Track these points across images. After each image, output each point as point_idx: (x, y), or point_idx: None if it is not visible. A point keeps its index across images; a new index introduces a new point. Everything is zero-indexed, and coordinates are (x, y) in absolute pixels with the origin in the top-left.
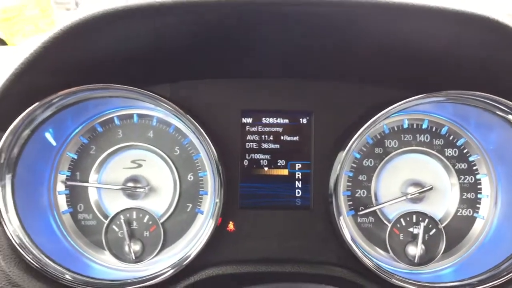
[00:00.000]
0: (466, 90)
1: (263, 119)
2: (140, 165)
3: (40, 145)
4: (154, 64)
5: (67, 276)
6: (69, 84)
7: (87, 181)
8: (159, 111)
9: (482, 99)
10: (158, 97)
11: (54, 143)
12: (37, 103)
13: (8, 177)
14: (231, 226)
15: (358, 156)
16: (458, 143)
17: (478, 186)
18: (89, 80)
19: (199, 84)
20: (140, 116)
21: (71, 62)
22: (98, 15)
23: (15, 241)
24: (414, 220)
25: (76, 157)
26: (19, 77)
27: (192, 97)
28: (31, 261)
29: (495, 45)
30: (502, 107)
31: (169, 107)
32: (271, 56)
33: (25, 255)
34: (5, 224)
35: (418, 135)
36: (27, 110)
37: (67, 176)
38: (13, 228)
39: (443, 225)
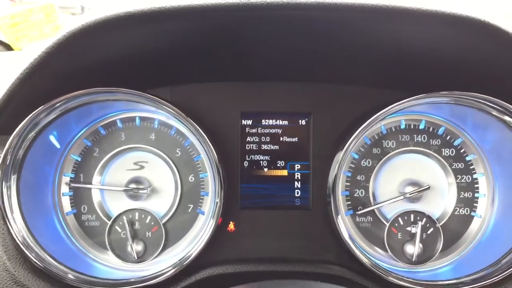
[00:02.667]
0: (462, 91)
1: (263, 120)
2: (142, 167)
3: (45, 147)
4: (156, 68)
5: (70, 276)
6: (73, 87)
7: (90, 183)
8: (161, 114)
9: (479, 100)
10: (159, 100)
11: (58, 146)
12: (41, 107)
13: (13, 179)
14: (231, 226)
15: (356, 156)
16: (455, 143)
17: (475, 185)
18: (92, 84)
19: (199, 87)
20: (142, 119)
21: (74, 66)
22: (100, 21)
23: (19, 240)
24: (412, 219)
25: (79, 159)
26: (24, 81)
27: (192, 100)
28: (35, 260)
29: (491, 49)
30: (498, 108)
31: (170, 110)
32: (270, 60)
33: (29, 254)
34: (10, 224)
35: (415, 136)
36: (32, 113)
37: (71, 178)
38: (18, 228)
39: (441, 224)
